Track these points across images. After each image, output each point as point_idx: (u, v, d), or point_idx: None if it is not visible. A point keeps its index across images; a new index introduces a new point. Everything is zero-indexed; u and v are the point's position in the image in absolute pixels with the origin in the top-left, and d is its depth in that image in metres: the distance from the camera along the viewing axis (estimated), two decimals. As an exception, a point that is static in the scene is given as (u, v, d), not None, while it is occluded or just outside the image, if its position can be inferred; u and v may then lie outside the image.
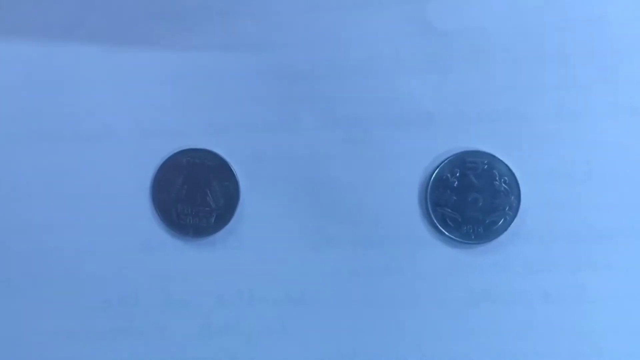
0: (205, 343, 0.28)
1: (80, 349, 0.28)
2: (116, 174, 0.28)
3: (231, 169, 0.28)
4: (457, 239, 0.27)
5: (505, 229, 0.27)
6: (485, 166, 0.27)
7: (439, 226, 0.27)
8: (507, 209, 0.27)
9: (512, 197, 0.27)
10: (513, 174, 0.27)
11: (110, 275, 0.28)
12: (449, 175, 0.27)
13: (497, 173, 0.27)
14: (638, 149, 0.27)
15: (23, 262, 0.29)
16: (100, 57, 0.28)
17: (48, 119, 0.29)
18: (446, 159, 0.27)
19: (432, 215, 0.27)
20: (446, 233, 0.27)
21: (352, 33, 0.28)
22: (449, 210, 0.27)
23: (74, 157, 0.29)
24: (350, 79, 0.28)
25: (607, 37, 0.27)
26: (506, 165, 0.27)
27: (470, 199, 0.27)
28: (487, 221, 0.27)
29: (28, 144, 0.29)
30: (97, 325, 0.28)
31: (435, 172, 0.27)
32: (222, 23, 0.28)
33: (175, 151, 0.28)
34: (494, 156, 0.27)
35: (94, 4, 0.29)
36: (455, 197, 0.27)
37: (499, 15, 0.27)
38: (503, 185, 0.27)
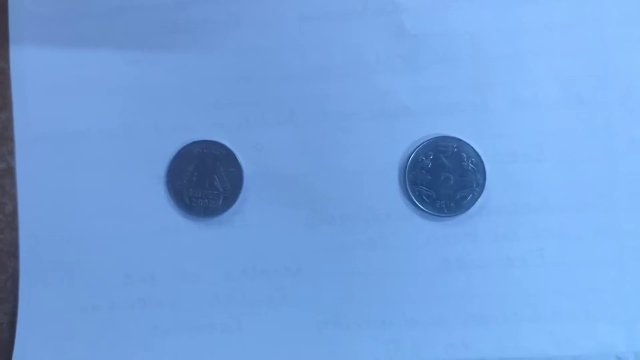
0: (215, 311, 0.29)
1: (105, 319, 0.29)
2: (136, 165, 0.30)
3: (236, 158, 0.29)
4: (432, 213, 0.28)
5: (473, 204, 0.28)
6: (455, 149, 0.28)
7: (416, 202, 0.28)
8: (474, 185, 0.28)
9: (479, 176, 0.28)
10: (479, 156, 0.28)
11: (131, 253, 0.29)
12: (423, 158, 0.28)
13: (465, 155, 0.28)
14: (582, 134, 0.28)
15: (55, 243, 0.30)
16: (121, 66, 0.30)
17: (77, 120, 0.30)
18: (421, 144, 0.28)
19: (410, 193, 0.28)
20: (422, 208, 0.28)
21: (339, 39, 0.29)
22: (425, 188, 0.28)
23: (100, 153, 0.30)
24: (337, 78, 0.29)
25: (555, 39, 0.28)
26: (472, 148, 0.28)
27: (442, 178, 0.28)
28: (457, 197, 0.28)
29: (60, 142, 0.30)
30: (120, 298, 0.29)
31: (412, 155, 0.28)
32: (227, 34, 0.29)
33: (188, 143, 0.29)
34: (461, 140, 0.28)
35: (117, 21, 0.30)
36: (429, 177, 0.28)
37: (463, 22, 0.28)
38: (470, 165, 0.28)
